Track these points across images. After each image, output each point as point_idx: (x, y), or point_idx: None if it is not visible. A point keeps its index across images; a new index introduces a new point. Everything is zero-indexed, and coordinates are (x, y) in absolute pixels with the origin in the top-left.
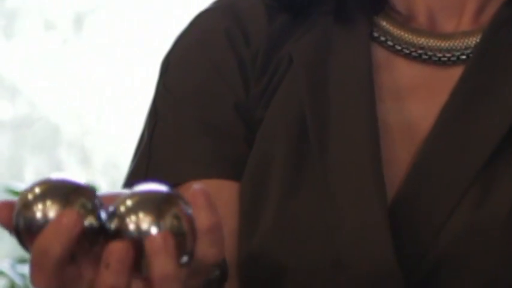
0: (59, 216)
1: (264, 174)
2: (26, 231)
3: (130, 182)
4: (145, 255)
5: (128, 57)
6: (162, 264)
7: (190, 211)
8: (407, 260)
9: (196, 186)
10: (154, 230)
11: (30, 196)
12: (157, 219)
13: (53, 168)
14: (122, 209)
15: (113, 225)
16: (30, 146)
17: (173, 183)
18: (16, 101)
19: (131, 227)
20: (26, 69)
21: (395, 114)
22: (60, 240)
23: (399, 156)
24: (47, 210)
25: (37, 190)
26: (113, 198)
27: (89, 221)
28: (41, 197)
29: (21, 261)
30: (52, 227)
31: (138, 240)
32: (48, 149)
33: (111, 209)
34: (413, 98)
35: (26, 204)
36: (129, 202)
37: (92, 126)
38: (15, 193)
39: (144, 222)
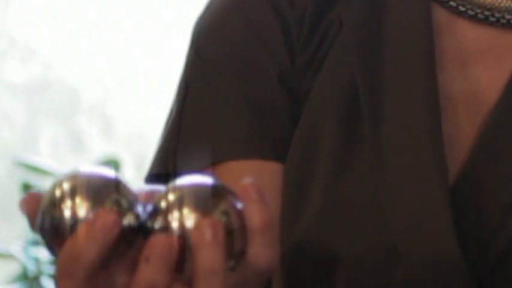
0: (93, 218)
1: (310, 152)
2: (53, 232)
3: (157, 163)
4: (190, 250)
5: (157, 12)
6: (209, 256)
7: (240, 206)
8: (472, 248)
9: (247, 179)
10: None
11: (57, 192)
12: (204, 216)
13: (71, 139)
14: (163, 205)
15: (152, 223)
16: (46, 113)
17: (206, 165)
18: (29, 62)
19: (174, 225)
20: (40, 26)
21: (459, 84)
22: (94, 244)
23: (462, 130)
24: (77, 209)
25: (65, 185)
26: (150, 193)
27: (126, 220)
28: (70, 194)
29: (34, 243)
30: (85, 229)
31: (182, 240)
32: (66, 117)
33: (150, 205)
34: (479, 65)
35: (52, 202)
36: (171, 197)
37: (115, 90)
38: (29, 167)
39: (188, 220)
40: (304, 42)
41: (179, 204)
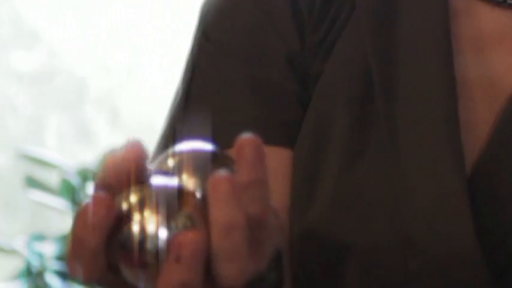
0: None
1: (322, 138)
2: (121, 249)
3: (162, 146)
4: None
5: (165, 0)
6: (227, 210)
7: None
8: (490, 239)
9: (247, 135)
10: (198, 194)
11: (124, 206)
12: (203, 183)
13: (77, 130)
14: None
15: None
16: (51, 103)
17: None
18: (35, 50)
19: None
20: (46, 12)
21: (476, 68)
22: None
23: (480, 116)
24: (146, 224)
25: (132, 199)
26: None
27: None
28: (138, 208)
29: (38, 238)
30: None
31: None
32: (72, 107)
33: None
34: (497, 50)
35: (119, 214)
36: (170, 163)
37: (123, 80)
38: (33, 160)
39: (189, 184)
40: (315, 23)
41: (180, 169)
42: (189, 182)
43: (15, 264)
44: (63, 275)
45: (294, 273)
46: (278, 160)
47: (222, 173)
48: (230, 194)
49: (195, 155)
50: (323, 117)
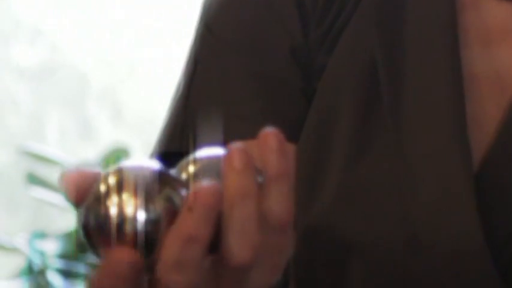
0: (111, 255)
1: (326, 132)
2: (97, 231)
3: (163, 141)
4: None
5: None
6: (240, 180)
7: (259, 179)
8: (497, 237)
9: (269, 129)
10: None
11: (102, 188)
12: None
13: (79, 126)
14: (184, 176)
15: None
16: (53, 99)
17: (215, 143)
18: (37, 45)
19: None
20: (48, 6)
21: (483, 63)
22: (122, 280)
23: (487, 112)
24: (124, 206)
25: (111, 180)
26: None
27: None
28: (116, 189)
29: (39, 236)
30: (109, 267)
31: None
32: (74, 103)
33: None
34: (505, 44)
35: (97, 198)
36: (191, 168)
37: (125, 75)
38: (35, 156)
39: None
40: (319, 16)
41: (197, 175)
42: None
43: (17, 263)
44: (66, 273)
45: (297, 270)
46: None
47: (235, 146)
48: (245, 163)
49: (213, 161)
50: (327, 111)
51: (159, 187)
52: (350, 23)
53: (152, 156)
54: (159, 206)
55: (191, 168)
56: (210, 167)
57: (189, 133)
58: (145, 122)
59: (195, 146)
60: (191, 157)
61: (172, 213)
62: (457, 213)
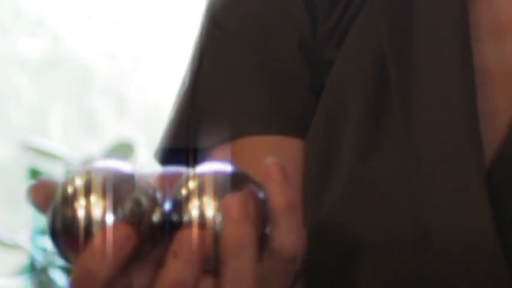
0: (106, 232)
1: (335, 128)
2: (64, 233)
3: (169, 137)
4: (217, 242)
5: None
6: (238, 230)
7: (262, 195)
8: (509, 233)
9: (270, 159)
10: (219, 217)
11: (70, 189)
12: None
13: (83, 120)
14: (184, 194)
15: (176, 215)
16: (56, 93)
17: (222, 140)
18: (39, 37)
19: (194, 213)
20: None
21: (495, 56)
22: (109, 261)
23: (500, 106)
24: (91, 208)
25: (78, 182)
26: (167, 177)
27: (150, 218)
28: (84, 191)
29: (42, 232)
30: (98, 246)
31: (208, 232)
32: (78, 96)
33: (169, 197)
34: None
35: (65, 200)
36: (191, 185)
37: (130, 68)
38: (37, 151)
39: (209, 208)
40: (327, 9)
41: (200, 194)
42: (210, 206)
43: (19, 260)
44: (68, 271)
45: (306, 268)
46: (289, 151)
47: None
48: (244, 213)
49: (215, 177)
50: (336, 107)
51: (128, 190)
52: (359, 17)
53: (157, 152)
54: (127, 209)
55: (191, 184)
56: (210, 185)
57: (195, 129)
58: (151, 115)
59: (195, 145)
60: (191, 172)
61: (140, 216)
62: (468, 210)
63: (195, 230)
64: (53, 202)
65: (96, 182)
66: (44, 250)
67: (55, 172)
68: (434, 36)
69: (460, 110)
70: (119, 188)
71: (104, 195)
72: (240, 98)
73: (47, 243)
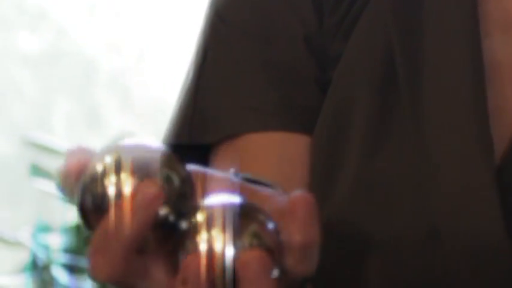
0: (133, 190)
1: (342, 124)
2: (94, 211)
3: (172, 134)
4: (225, 271)
5: None
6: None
7: (272, 226)
8: None
9: (298, 192)
10: (230, 251)
11: (99, 167)
12: (234, 239)
13: (86, 114)
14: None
15: (185, 239)
16: (59, 87)
17: (225, 136)
18: (41, 30)
19: (202, 245)
20: None
21: (505, 51)
22: (133, 219)
23: (508, 102)
24: (122, 186)
25: (108, 159)
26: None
27: (172, 201)
28: (114, 169)
29: (44, 229)
30: (125, 203)
31: (215, 260)
32: (81, 90)
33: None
34: None
35: (94, 177)
36: (200, 217)
37: (134, 61)
38: (40, 147)
39: (217, 241)
40: (333, 2)
41: (208, 226)
42: (218, 239)
43: (20, 257)
44: (71, 268)
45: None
46: (296, 147)
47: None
48: (262, 271)
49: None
50: (343, 102)
51: (158, 167)
52: (365, 10)
53: None
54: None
55: (199, 217)
56: (218, 218)
57: (199, 125)
58: (155, 110)
59: (198, 142)
60: (199, 204)
61: (170, 192)
62: (478, 207)
63: (203, 258)
64: (82, 180)
65: (126, 159)
66: (46, 247)
67: (57, 168)
68: (443, 31)
69: (470, 107)
70: (149, 165)
71: (133, 172)
72: (244, 94)
73: (49, 240)
